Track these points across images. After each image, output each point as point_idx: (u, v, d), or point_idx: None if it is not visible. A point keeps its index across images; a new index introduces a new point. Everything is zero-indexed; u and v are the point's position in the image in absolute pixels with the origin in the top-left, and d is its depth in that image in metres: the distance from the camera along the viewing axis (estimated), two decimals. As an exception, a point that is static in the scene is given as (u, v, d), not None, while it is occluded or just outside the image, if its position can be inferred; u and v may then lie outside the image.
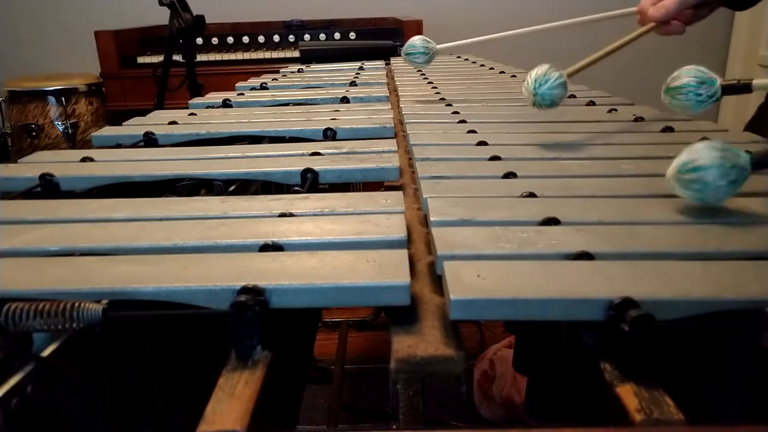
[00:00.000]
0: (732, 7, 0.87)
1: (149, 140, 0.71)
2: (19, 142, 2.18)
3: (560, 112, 0.78)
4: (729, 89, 0.59)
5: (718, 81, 0.58)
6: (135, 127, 0.76)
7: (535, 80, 0.60)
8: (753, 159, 0.39)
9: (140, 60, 2.19)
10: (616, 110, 0.78)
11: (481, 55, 1.48)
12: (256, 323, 0.30)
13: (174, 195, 0.55)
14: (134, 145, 0.70)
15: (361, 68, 1.31)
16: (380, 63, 1.45)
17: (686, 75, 0.58)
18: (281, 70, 1.32)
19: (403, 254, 0.34)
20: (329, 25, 2.41)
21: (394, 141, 0.64)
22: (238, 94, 1.00)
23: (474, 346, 1.47)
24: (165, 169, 0.56)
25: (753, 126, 0.91)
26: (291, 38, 2.31)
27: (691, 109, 0.59)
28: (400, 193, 0.46)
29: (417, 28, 2.18)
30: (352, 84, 1.09)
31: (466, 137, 0.64)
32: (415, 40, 0.89)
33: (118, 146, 0.70)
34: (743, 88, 0.60)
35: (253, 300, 0.30)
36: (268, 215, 0.43)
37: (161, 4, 1.50)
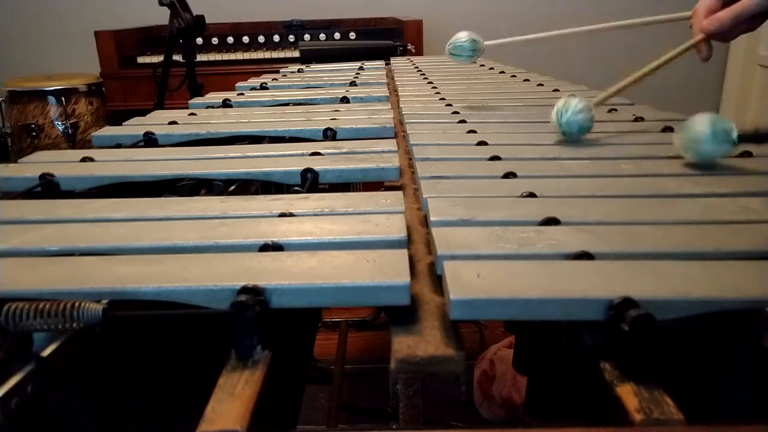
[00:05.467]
0: None
1: (149, 140, 0.71)
2: (19, 142, 2.18)
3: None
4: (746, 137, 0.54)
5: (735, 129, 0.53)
6: (135, 127, 0.76)
7: (557, 111, 0.61)
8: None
9: (140, 60, 2.19)
10: (616, 110, 0.78)
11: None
12: (256, 323, 0.30)
13: (174, 195, 0.55)
14: (134, 145, 0.70)
15: (361, 68, 1.31)
16: (380, 63, 1.45)
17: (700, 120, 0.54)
18: (281, 70, 1.32)
19: (403, 254, 0.34)
20: (329, 25, 2.41)
21: (394, 141, 0.64)
22: (238, 94, 1.00)
23: (474, 346, 1.47)
24: (165, 169, 0.56)
25: None
26: (291, 38, 2.32)
27: (704, 146, 0.53)
28: (400, 193, 0.46)
29: (417, 28, 2.18)
30: (352, 84, 1.09)
31: (466, 137, 0.64)
32: (462, 38, 0.81)
33: (118, 146, 0.70)
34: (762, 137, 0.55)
35: (253, 300, 0.30)
36: (268, 215, 0.43)
37: (161, 4, 1.50)
